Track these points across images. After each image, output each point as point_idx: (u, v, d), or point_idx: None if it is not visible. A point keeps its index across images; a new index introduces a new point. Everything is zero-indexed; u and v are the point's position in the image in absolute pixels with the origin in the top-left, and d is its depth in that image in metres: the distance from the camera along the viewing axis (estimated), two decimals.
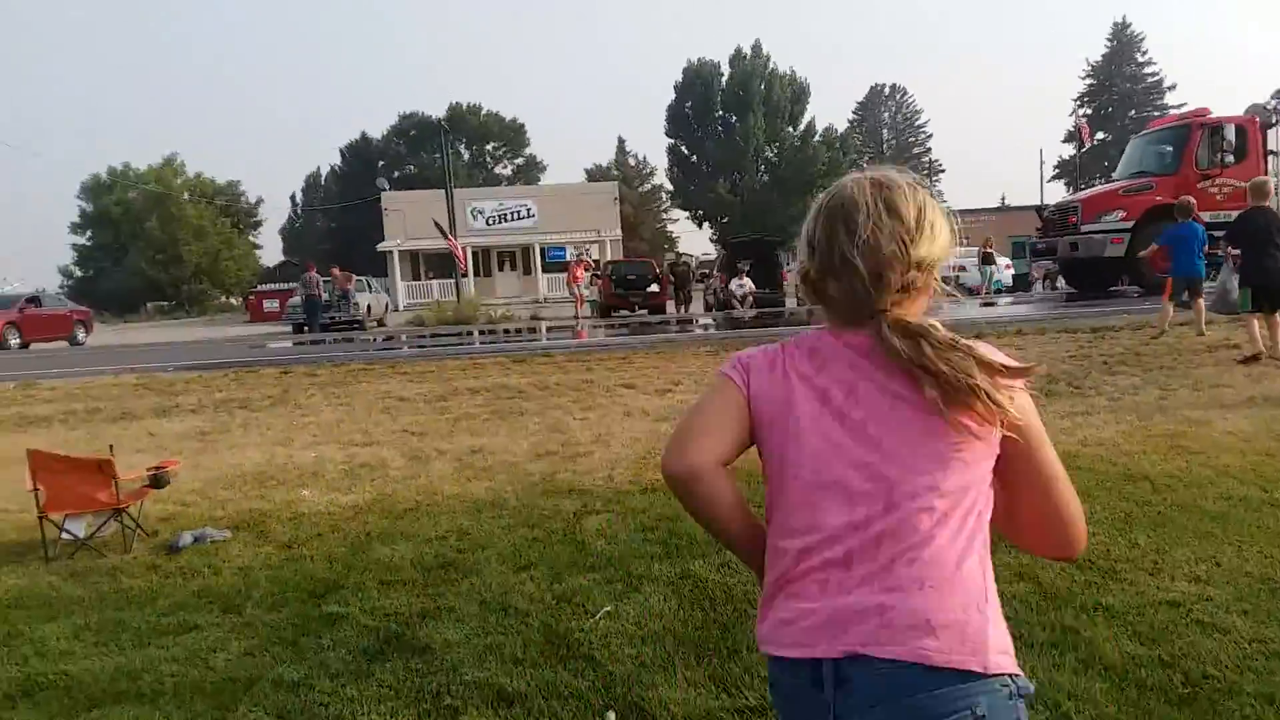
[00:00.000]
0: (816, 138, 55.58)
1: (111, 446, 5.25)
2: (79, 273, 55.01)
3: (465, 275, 33.39)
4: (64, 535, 5.13)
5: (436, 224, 31.08)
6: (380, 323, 29.67)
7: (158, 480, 5.53)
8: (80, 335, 27.32)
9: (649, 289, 26.07)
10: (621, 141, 73.17)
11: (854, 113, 75.95)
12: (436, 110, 61.24)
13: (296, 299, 27.49)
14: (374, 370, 11.25)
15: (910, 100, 78.46)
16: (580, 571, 4.17)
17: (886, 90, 78.36)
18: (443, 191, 33.56)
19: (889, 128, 78.77)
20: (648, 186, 68.60)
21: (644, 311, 25.31)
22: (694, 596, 3.79)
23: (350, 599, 4.21)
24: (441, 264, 40.16)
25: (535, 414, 8.20)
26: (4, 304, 26.36)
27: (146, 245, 51.48)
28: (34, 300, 27.25)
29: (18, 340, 24.73)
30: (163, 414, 8.92)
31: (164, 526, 5.51)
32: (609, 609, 3.72)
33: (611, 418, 7.78)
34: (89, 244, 54.85)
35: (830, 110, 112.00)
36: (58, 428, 8.60)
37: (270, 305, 38.17)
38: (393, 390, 9.71)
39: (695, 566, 4.09)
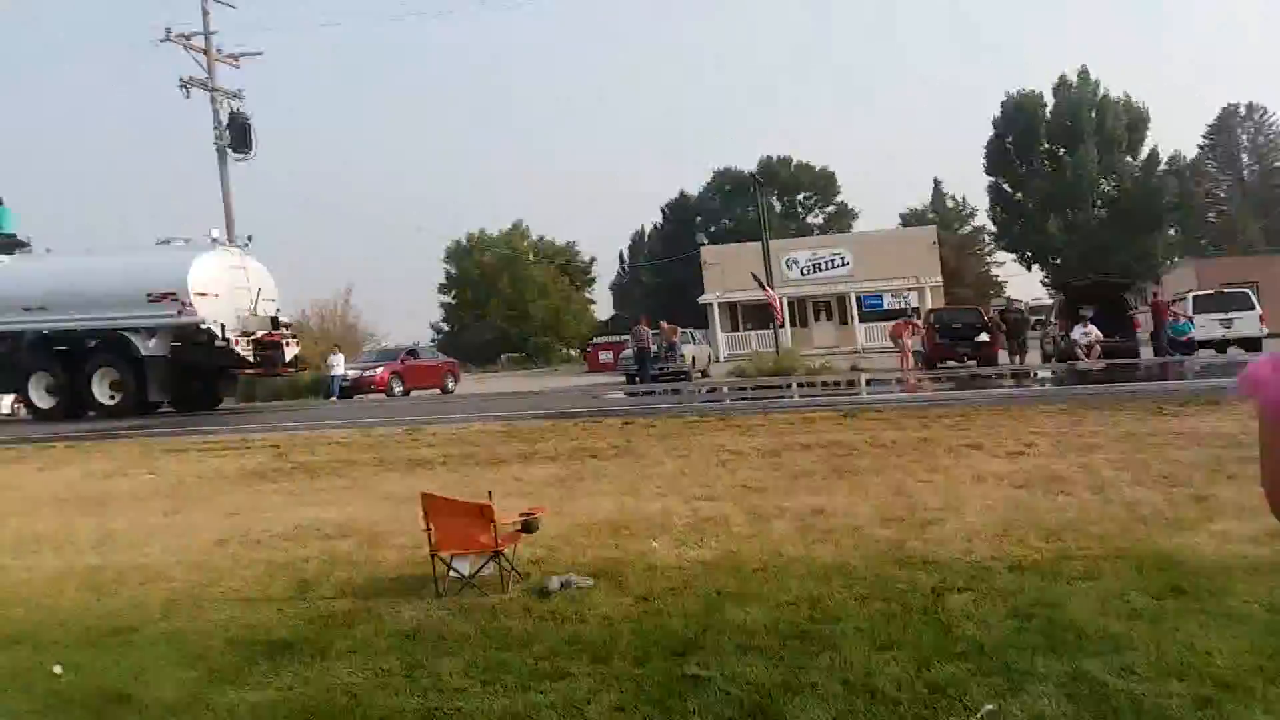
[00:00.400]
0: (1161, 167, 50.22)
1: (490, 493, 5.77)
2: (446, 328, 62.05)
3: (782, 326, 33.65)
4: (452, 573, 5.70)
5: (754, 276, 31.65)
6: (704, 373, 30.56)
7: (528, 525, 6.01)
8: (450, 384, 30.70)
9: (978, 338, 24.60)
10: (937, 183, 70.25)
11: (1204, 137, 67.61)
12: (748, 164, 62.69)
13: (628, 351, 29.11)
14: (707, 422, 11.58)
15: (1273, 120, 68.47)
16: (949, 659, 3.93)
17: (1242, 110, 69.00)
18: (758, 244, 34.14)
19: (1248, 151, 69.23)
20: (968, 229, 65.41)
21: (973, 363, 23.94)
22: (1094, 704, 3.41)
23: (710, 661, 4.29)
24: (759, 315, 40.76)
25: (873, 473, 7.99)
26: (390, 356, 30.33)
27: (500, 303, 57.12)
28: (412, 353, 31.09)
29: (400, 388, 28.28)
30: (526, 460, 9.74)
31: (534, 569, 5.97)
32: (991, 708, 3.45)
33: (960, 481, 7.40)
34: (453, 302, 61.76)
35: (1174, 136, 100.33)
36: (439, 470, 9.65)
37: (605, 357, 40.72)
38: (726, 443, 9.92)
39: (1090, 666, 3.70)
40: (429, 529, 5.76)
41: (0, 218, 23.35)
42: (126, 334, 20.09)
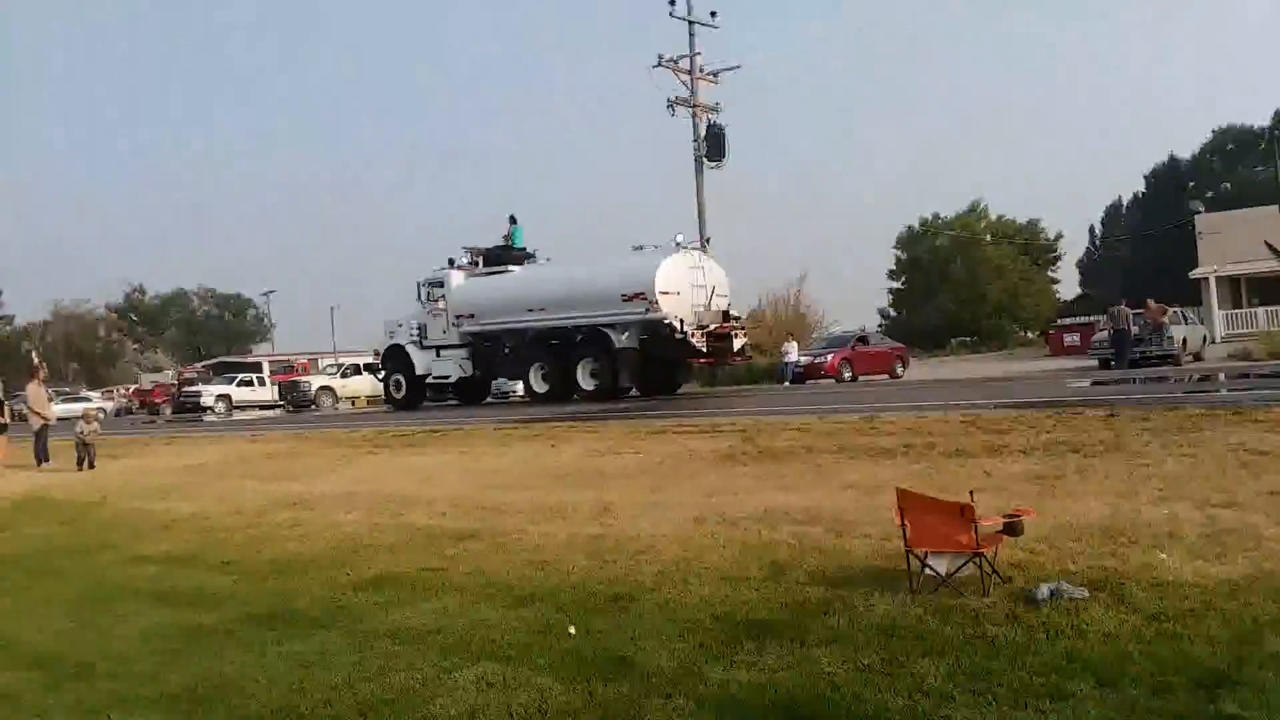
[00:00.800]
0: None
1: (972, 493, 5.46)
2: (893, 313, 61.14)
3: None
4: (926, 570, 5.49)
5: (1269, 245, 26.86)
6: (1196, 357, 26.65)
7: (1012, 528, 5.59)
8: (899, 369, 30.15)
9: None
10: None
11: None
12: (1259, 119, 53.06)
13: (1102, 333, 26.28)
14: (1216, 416, 9.96)
15: None
16: None
17: None
18: (1272, 208, 28.74)
19: None
20: None
21: None
22: None
23: (1250, 699, 3.64)
24: (1271, 289, 34.49)
25: None
26: (840, 343, 30.53)
27: (952, 286, 54.95)
28: (862, 339, 30.99)
29: (850, 374, 28.35)
30: (994, 453, 9.14)
31: (1016, 574, 5.55)
32: None
33: None
34: (903, 287, 60.66)
35: None
36: (901, 460, 9.42)
37: (1070, 339, 37.31)
38: (1247, 441, 8.43)
39: None
40: (904, 524, 5.61)
41: (514, 235, 27.70)
42: (604, 329, 22.99)
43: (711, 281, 23.46)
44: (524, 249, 27.50)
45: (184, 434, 23.63)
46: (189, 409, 41.40)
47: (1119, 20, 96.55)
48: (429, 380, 27.34)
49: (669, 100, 31.13)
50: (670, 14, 31.27)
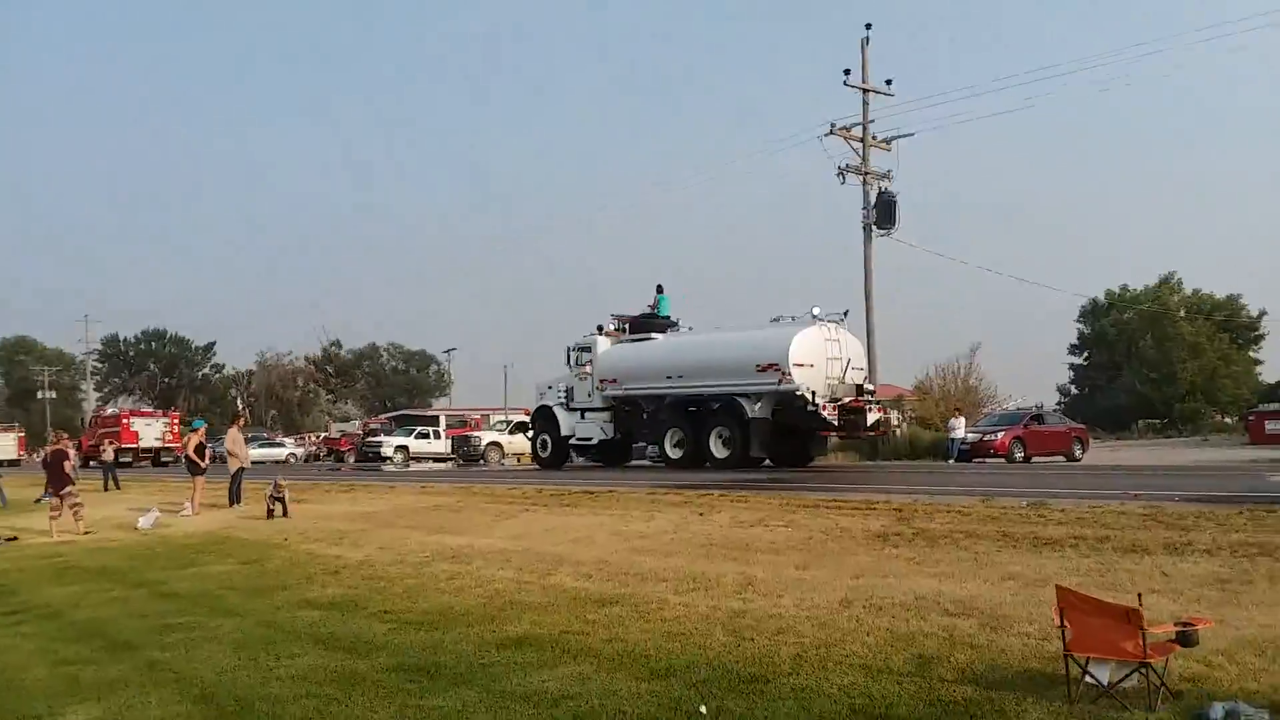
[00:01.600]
0: None
1: (1140, 596, 5.10)
2: (1074, 391, 57.85)
3: None
4: (1087, 678, 5.13)
5: None
6: None
7: (1186, 638, 5.17)
8: (1077, 451, 28.44)
9: None
10: None
11: None
12: None
13: None
14: None
15: None
16: None
17: None
18: None
19: None
20: None
21: None
22: None
23: None
24: None
25: None
26: (1012, 420, 29.16)
27: (1140, 364, 51.57)
28: (1037, 417, 29.45)
29: (1022, 454, 26.95)
30: (1174, 551, 8.47)
31: (1188, 688, 5.11)
32: None
33: None
34: (1085, 364, 57.43)
35: None
36: (1069, 552, 8.86)
37: (1273, 426, 34.20)
38: None
39: None
40: (1063, 625, 5.28)
41: (660, 304, 28.86)
42: (738, 398, 23.49)
43: (847, 354, 23.60)
44: (668, 317, 28.48)
45: (362, 482, 25.02)
46: (370, 458, 43.82)
47: None
48: (573, 441, 28.54)
49: (839, 168, 31.13)
50: (845, 83, 31.42)
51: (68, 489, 16.62)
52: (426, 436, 45.89)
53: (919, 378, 42.49)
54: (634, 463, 28.85)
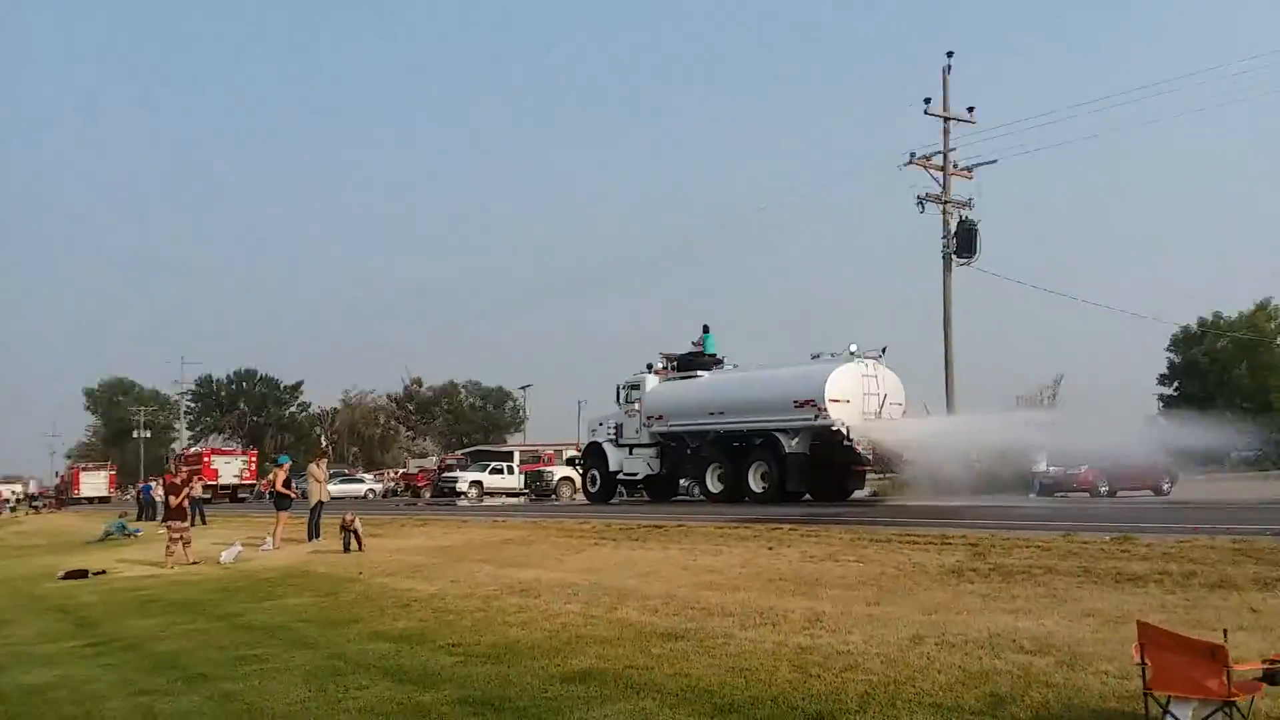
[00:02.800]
0: None
1: (1225, 633, 4.88)
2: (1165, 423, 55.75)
3: None
4: (1168, 718, 4.91)
5: None
6: None
7: (1272, 677, 4.92)
8: (1166, 486, 27.38)
9: None
10: None
11: None
12: None
13: None
14: None
15: None
16: None
17: None
18: None
19: None
20: None
21: None
22: None
23: None
24: None
25: None
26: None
27: (1234, 394, 49.51)
28: None
29: (1106, 488, 26.05)
30: (1266, 587, 8.08)
31: None
32: None
33: None
34: (1175, 394, 55.37)
35: None
36: (1153, 588, 8.53)
37: None
38: None
39: None
40: (1144, 663, 5.07)
41: (706, 342, 29.57)
42: (776, 434, 24.01)
43: (883, 390, 24.00)
44: (714, 355, 29.16)
45: (437, 517, 25.38)
46: (445, 493, 44.42)
47: None
48: (620, 476, 29.21)
49: (918, 197, 30.70)
50: (925, 111, 31.10)
51: (178, 521, 17.32)
52: (500, 472, 46.32)
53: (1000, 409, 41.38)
54: (677, 498, 29.38)
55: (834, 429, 22.83)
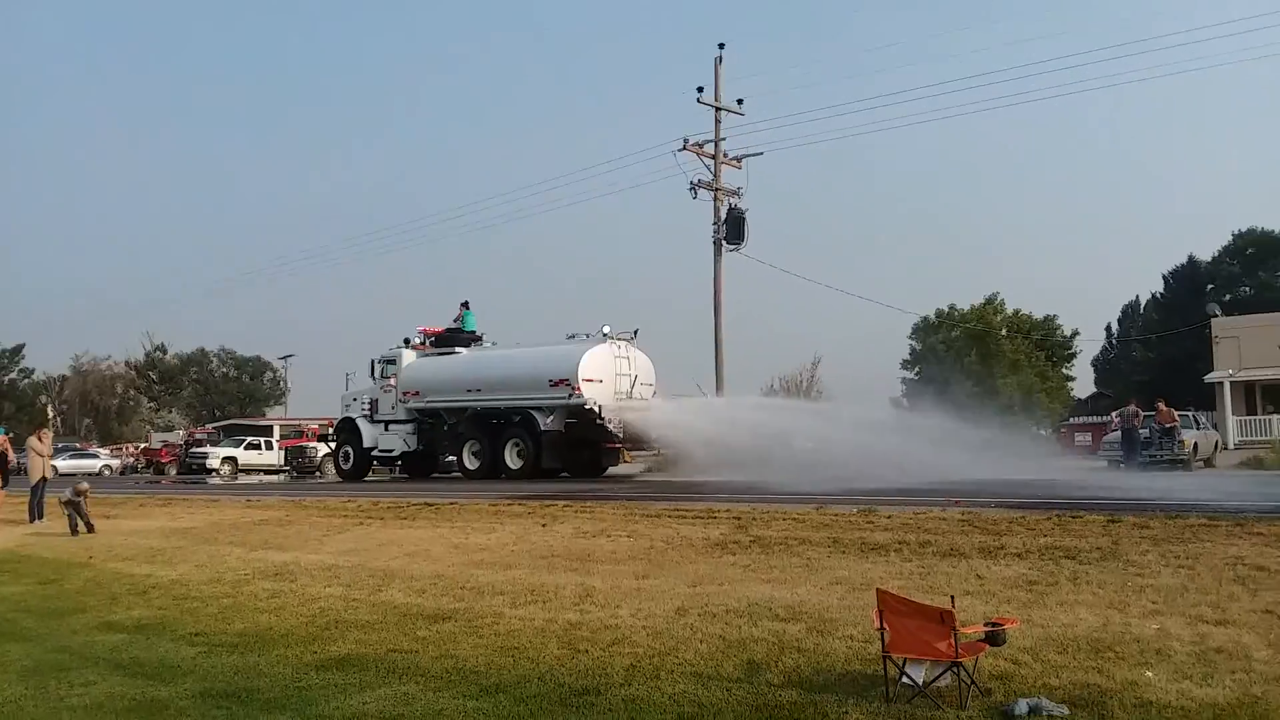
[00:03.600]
0: None
1: (953, 599, 5.30)
2: (906, 404, 60.78)
3: None
4: (904, 679, 5.29)
5: None
6: (1207, 463, 26.32)
7: (994, 638, 5.41)
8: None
9: None
10: None
11: None
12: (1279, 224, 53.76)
13: (1113, 434, 26.08)
14: (1218, 527, 9.72)
15: None
16: None
17: None
18: None
19: None
20: None
21: None
22: None
23: None
24: None
25: None
26: None
27: (966, 379, 54.66)
28: None
29: None
30: (988, 555, 8.93)
31: (997, 685, 5.35)
32: None
33: None
34: (916, 378, 60.41)
35: None
36: (894, 557, 9.21)
37: (1082, 438, 36.90)
38: (1246, 556, 8.20)
39: None
40: (882, 628, 5.44)
41: (465, 319, 29.76)
42: (532, 411, 24.80)
43: (635, 370, 25.26)
44: (473, 332, 29.42)
45: (183, 495, 23.51)
46: (194, 470, 41.37)
47: (1140, 118, 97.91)
48: (375, 453, 29.03)
49: (691, 183, 31.65)
50: (698, 99, 31.98)
51: None
52: (257, 447, 43.72)
53: (763, 389, 43.71)
54: (436, 475, 29.31)
55: (587, 407, 23.75)
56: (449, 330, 29.36)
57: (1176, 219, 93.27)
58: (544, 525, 12.51)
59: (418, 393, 27.72)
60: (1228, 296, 53.59)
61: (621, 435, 24.54)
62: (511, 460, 25.10)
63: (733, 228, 31.60)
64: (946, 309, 59.27)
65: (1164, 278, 61.22)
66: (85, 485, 15.78)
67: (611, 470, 27.98)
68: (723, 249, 31.95)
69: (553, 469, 24.82)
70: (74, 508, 15.25)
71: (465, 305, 30.01)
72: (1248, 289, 54.90)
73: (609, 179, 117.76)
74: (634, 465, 34.16)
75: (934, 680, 5.23)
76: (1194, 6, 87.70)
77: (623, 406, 24.41)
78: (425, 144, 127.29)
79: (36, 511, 17.51)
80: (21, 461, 24.23)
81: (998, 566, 8.43)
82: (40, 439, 18.93)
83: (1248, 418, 36.59)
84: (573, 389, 23.90)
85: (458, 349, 28.23)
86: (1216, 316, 40.43)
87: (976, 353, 55.13)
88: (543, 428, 24.48)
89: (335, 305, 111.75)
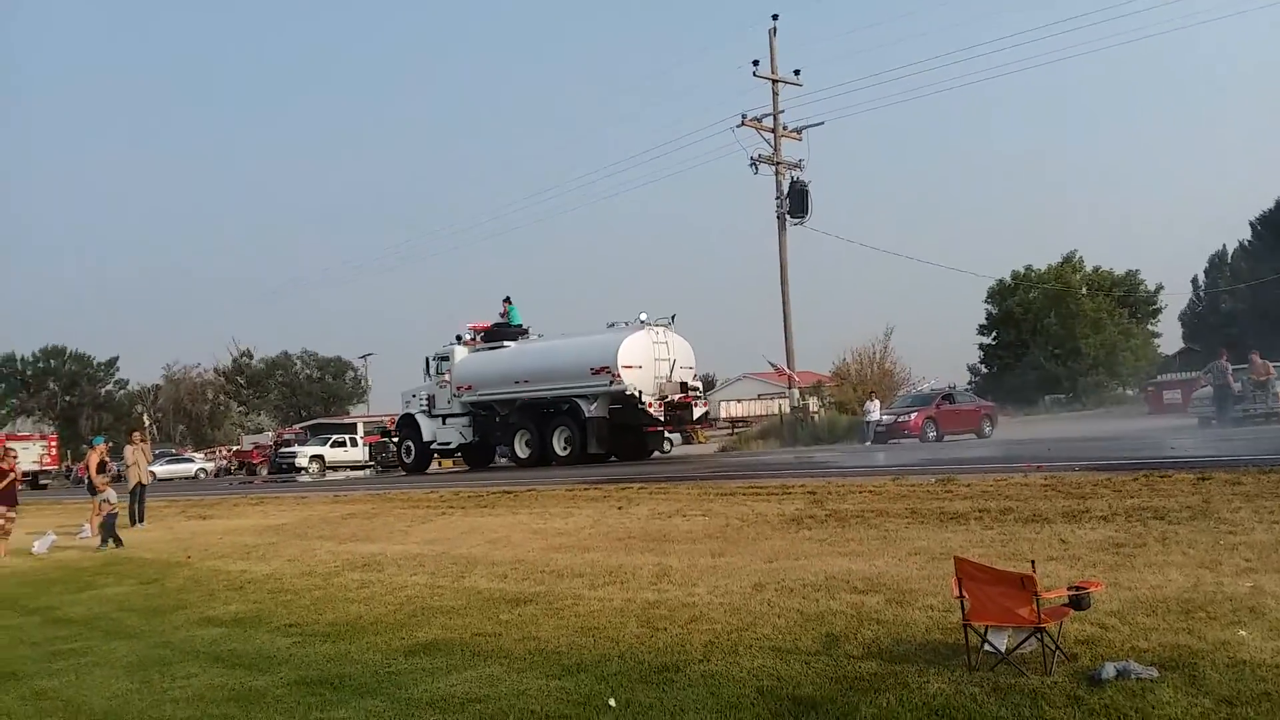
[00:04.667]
0: None
1: (1034, 564, 5.21)
2: (984, 370, 59.56)
3: None
4: (986, 647, 5.22)
5: None
6: None
7: (1078, 601, 5.29)
8: (987, 429, 29.25)
9: None
10: None
11: None
12: None
13: (1203, 390, 25.17)
14: None
15: None
16: None
17: None
18: None
19: None
20: None
21: None
22: None
23: None
24: None
25: None
26: (925, 401, 29.83)
27: (1046, 341, 53.37)
28: (948, 397, 30.20)
29: (934, 433, 27.62)
30: (1073, 519, 8.74)
31: (1083, 650, 5.25)
32: None
33: None
34: (994, 343, 59.15)
35: None
36: (974, 525, 9.08)
37: (1171, 396, 35.72)
38: None
39: None
40: (962, 596, 5.37)
41: (510, 314, 30.74)
42: (577, 399, 25.51)
43: (674, 355, 25.93)
44: (520, 326, 30.34)
45: (274, 494, 24.34)
46: (284, 469, 42.69)
47: (1219, 65, 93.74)
48: (434, 446, 30.21)
49: (752, 158, 31.47)
50: (754, 74, 31.71)
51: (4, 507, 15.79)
52: (343, 444, 44.90)
53: (836, 363, 43.23)
54: (494, 465, 30.23)
55: (628, 393, 24.38)
56: (496, 325, 30.31)
57: (1264, 162, 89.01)
58: (620, 508, 12.63)
59: (470, 386, 28.61)
60: None
61: (665, 418, 25.18)
62: (559, 447, 25.85)
63: (796, 201, 31.31)
64: (1023, 270, 57.78)
65: (1252, 224, 58.63)
66: (114, 505, 16.33)
67: (686, 450, 28.30)
68: (787, 223, 31.69)
69: (600, 454, 25.44)
70: (105, 529, 15.83)
71: (508, 300, 30.99)
72: None
73: (670, 162, 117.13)
74: (708, 445, 34.23)
75: (1017, 647, 5.15)
76: None
77: (664, 390, 25.01)
78: (486, 141, 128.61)
79: (137, 516, 18.31)
80: (121, 469, 25.33)
81: (1082, 530, 8.25)
82: (135, 446, 19.75)
83: None
84: (613, 376, 24.53)
85: (505, 343, 29.07)
86: None
87: (1056, 313, 53.66)
88: (587, 414, 25.17)
89: (411, 302, 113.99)
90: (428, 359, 30.24)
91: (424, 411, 29.99)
